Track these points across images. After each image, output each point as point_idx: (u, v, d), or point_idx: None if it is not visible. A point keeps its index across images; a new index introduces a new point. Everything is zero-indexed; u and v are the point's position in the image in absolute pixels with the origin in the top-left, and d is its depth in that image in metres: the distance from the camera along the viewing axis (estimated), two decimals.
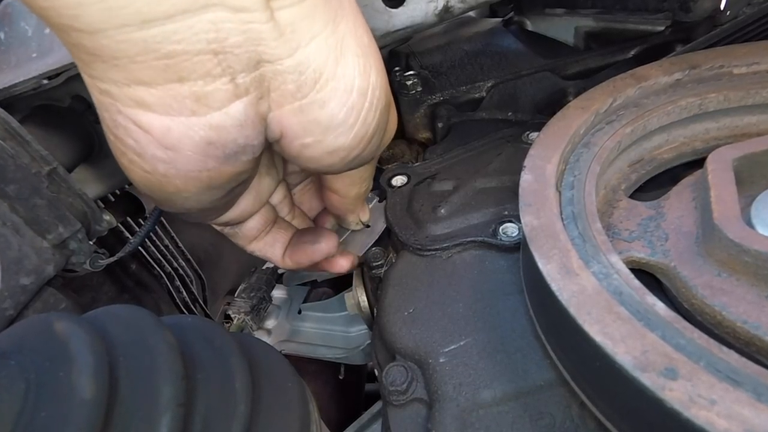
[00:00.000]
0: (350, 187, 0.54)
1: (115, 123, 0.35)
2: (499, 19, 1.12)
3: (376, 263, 0.65)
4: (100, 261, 0.74)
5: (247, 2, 0.32)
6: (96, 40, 0.31)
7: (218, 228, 0.53)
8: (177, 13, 0.30)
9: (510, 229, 0.57)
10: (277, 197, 0.57)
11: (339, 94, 0.37)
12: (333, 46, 0.36)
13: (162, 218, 1.20)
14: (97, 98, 0.35)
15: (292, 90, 0.36)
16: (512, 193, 0.62)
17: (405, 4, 0.67)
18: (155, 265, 1.17)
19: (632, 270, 0.40)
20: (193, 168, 0.36)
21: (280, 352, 0.98)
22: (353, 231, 0.65)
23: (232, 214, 0.49)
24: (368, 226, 0.64)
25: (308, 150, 0.39)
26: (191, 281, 1.27)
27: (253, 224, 0.54)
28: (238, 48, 0.33)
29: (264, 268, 1.12)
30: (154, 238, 1.18)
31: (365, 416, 0.85)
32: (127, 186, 0.93)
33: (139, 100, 0.33)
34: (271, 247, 0.57)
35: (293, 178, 0.60)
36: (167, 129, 0.34)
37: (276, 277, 1.12)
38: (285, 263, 0.58)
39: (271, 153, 0.50)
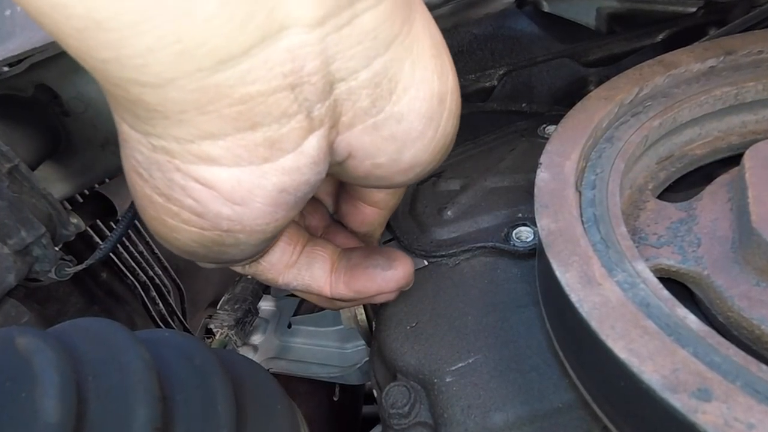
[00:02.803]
0: (391, 198, 0.52)
1: (169, 183, 0.33)
2: (512, 0, 1.12)
3: None
4: (66, 269, 0.74)
5: (325, 8, 0.29)
6: (163, 93, 0.29)
7: (238, 269, 0.49)
8: (254, 45, 0.28)
9: (524, 234, 0.57)
10: (310, 217, 0.54)
11: (418, 104, 0.36)
12: (409, 48, 0.35)
13: (136, 221, 1.20)
14: (145, 155, 0.33)
15: (367, 107, 0.34)
16: (527, 193, 0.62)
17: None
18: (128, 274, 1.17)
19: (661, 279, 0.40)
20: (262, 221, 0.35)
21: (268, 370, 0.98)
22: None
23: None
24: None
25: (380, 170, 0.38)
26: (168, 292, 1.27)
27: (278, 250, 0.49)
28: (315, 75, 0.31)
29: (250, 277, 1.12)
30: (128, 243, 1.18)
31: None
32: (97, 185, 0.93)
33: (204, 156, 0.32)
34: (309, 272, 0.50)
35: None
36: (237, 182, 0.33)
37: (263, 287, 1.12)
38: (337, 290, 0.51)
39: None
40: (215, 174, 0.32)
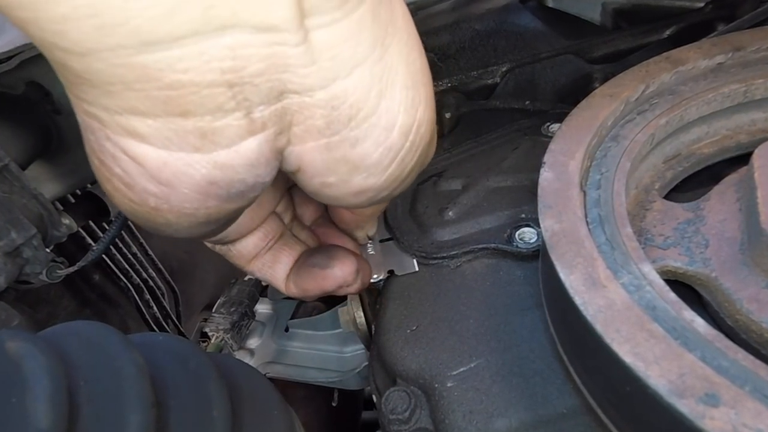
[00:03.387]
0: (369, 208, 0.52)
1: (101, 148, 0.34)
2: None
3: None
4: (58, 271, 0.74)
5: (275, 19, 0.29)
6: (86, 62, 0.29)
7: (209, 245, 0.52)
8: (185, 35, 0.28)
9: (527, 235, 0.57)
10: (281, 206, 0.55)
11: (377, 132, 0.35)
12: (378, 77, 0.34)
13: (129, 222, 1.20)
14: (82, 118, 0.34)
15: (321, 126, 0.34)
16: (530, 193, 0.62)
17: None
18: (121, 276, 1.17)
19: (667, 281, 0.40)
20: (190, 206, 0.35)
21: (265, 375, 0.97)
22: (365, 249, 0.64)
23: (226, 232, 0.48)
24: (371, 239, 0.63)
25: (330, 189, 0.38)
26: (163, 294, 1.27)
27: (252, 241, 0.52)
28: (259, 77, 0.31)
29: (246, 279, 1.12)
30: (121, 244, 1.18)
31: None
32: (89, 185, 0.93)
33: (132, 130, 0.32)
34: (271, 269, 0.54)
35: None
36: (163, 163, 0.33)
37: (260, 289, 1.12)
38: (288, 289, 0.54)
39: None
40: (143, 150, 0.32)
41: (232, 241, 0.51)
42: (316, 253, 0.54)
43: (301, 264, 0.54)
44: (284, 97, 0.32)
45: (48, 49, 0.30)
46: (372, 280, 0.60)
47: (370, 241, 0.63)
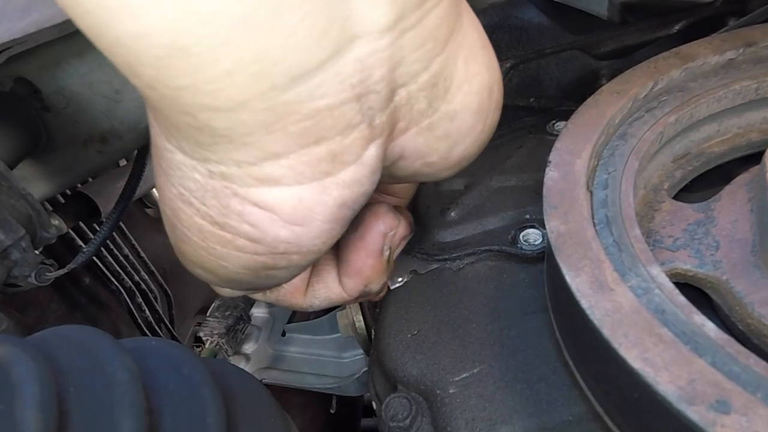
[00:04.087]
0: (412, 188, 0.53)
1: (225, 210, 0.33)
2: None
3: None
4: (47, 274, 0.74)
5: (396, 11, 0.29)
6: (233, 117, 0.28)
7: (259, 297, 0.50)
8: (328, 58, 0.28)
9: (532, 236, 0.57)
10: None
11: (470, 99, 0.37)
12: (461, 43, 0.35)
13: (121, 223, 1.20)
14: (201, 183, 0.33)
15: (423, 108, 0.35)
16: (535, 193, 0.62)
17: None
18: (113, 279, 1.17)
19: (677, 284, 0.40)
20: (319, 240, 0.35)
21: (261, 381, 0.97)
22: None
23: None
24: None
25: (430, 167, 0.39)
26: (156, 298, 1.27)
27: (299, 275, 0.49)
28: (381, 82, 0.31)
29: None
30: (112, 246, 1.18)
31: None
32: (79, 185, 0.93)
33: (265, 178, 0.31)
34: (322, 284, 0.51)
35: None
36: (298, 201, 0.33)
37: None
38: (346, 287, 0.51)
39: None
40: (275, 195, 0.32)
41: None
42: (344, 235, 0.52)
43: (339, 253, 0.51)
44: (395, 94, 0.33)
45: (192, 114, 0.29)
46: (398, 284, 0.60)
47: None
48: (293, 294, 0.51)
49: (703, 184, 0.56)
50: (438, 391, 0.49)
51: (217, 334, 1.02)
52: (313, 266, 0.51)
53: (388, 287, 0.60)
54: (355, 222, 0.49)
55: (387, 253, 0.50)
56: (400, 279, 0.60)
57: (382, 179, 0.40)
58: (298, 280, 0.50)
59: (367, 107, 0.31)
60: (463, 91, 0.36)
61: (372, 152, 0.33)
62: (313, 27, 0.27)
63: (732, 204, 0.47)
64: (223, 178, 0.32)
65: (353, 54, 0.29)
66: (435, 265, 0.60)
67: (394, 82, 0.32)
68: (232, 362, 1.03)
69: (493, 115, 0.40)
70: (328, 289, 0.52)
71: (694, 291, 0.45)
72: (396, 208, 0.51)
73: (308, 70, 0.28)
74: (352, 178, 0.33)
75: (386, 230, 0.48)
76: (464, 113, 0.37)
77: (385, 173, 0.39)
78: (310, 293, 0.52)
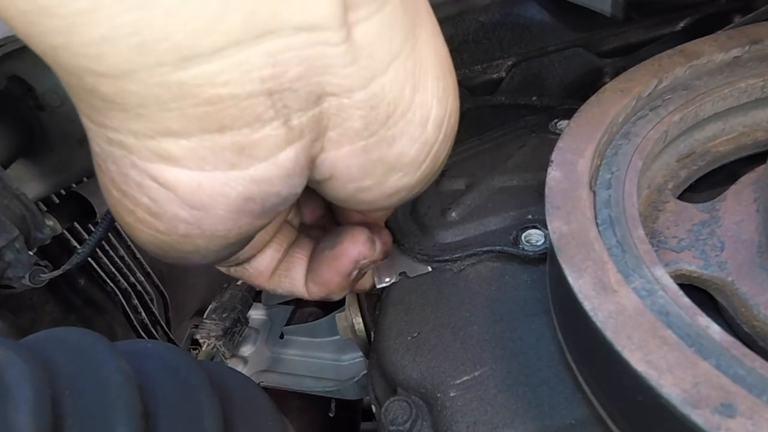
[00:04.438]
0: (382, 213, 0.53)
1: (125, 178, 0.33)
2: None
3: None
4: (41, 275, 0.74)
5: (319, 17, 0.29)
6: (120, 85, 0.28)
7: (223, 269, 0.50)
8: (226, 46, 0.28)
9: (534, 237, 0.57)
10: (291, 212, 0.54)
11: (412, 128, 0.36)
12: (411, 70, 0.34)
13: (117, 224, 1.20)
14: (102, 147, 0.33)
15: (358, 128, 0.34)
16: (537, 193, 0.62)
17: None
18: (108, 280, 1.17)
19: (681, 285, 0.40)
20: (222, 227, 0.35)
21: (259, 384, 0.97)
22: None
23: (243, 252, 0.46)
24: None
25: (364, 193, 0.38)
26: (152, 299, 1.27)
27: (268, 254, 0.50)
28: (298, 81, 0.30)
29: (239, 283, 1.12)
30: (107, 247, 1.18)
31: None
32: (74, 185, 0.93)
33: (163, 154, 0.31)
34: (288, 277, 0.52)
35: None
36: (197, 186, 0.32)
37: (253, 294, 1.12)
38: (310, 291, 0.52)
39: None
40: (175, 175, 0.32)
41: (248, 260, 0.50)
42: (323, 239, 0.52)
43: (313, 258, 0.52)
44: (322, 101, 0.32)
45: (77, 75, 0.29)
46: (384, 284, 0.60)
47: None
48: (256, 276, 0.51)
49: (707, 183, 0.56)
50: (438, 395, 0.49)
51: (214, 336, 1.02)
52: (284, 258, 0.51)
53: (374, 285, 0.60)
54: (333, 237, 0.50)
55: (355, 273, 0.50)
56: (387, 279, 0.60)
57: (324, 197, 0.40)
58: (264, 265, 0.50)
59: (282, 104, 0.31)
60: (406, 119, 0.35)
61: (289, 154, 0.33)
62: (199, 12, 0.27)
63: (737, 204, 0.47)
64: (121, 147, 0.32)
65: (263, 47, 0.29)
66: (435, 266, 0.60)
67: (318, 86, 0.31)
68: (229, 365, 1.03)
69: (438, 149, 0.38)
70: (293, 284, 0.52)
71: (699, 293, 0.45)
72: (374, 228, 0.51)
73: (202, 53, 0.28)
74: (262, 176, 0.33)
75: (359, 258, 0.49)
76: (404, 141, 0.36)
77: (322, 191, 0.39)
78: (275, 280, 0.52)
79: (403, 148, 0.36)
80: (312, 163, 0.35)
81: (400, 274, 0.61)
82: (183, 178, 0.32)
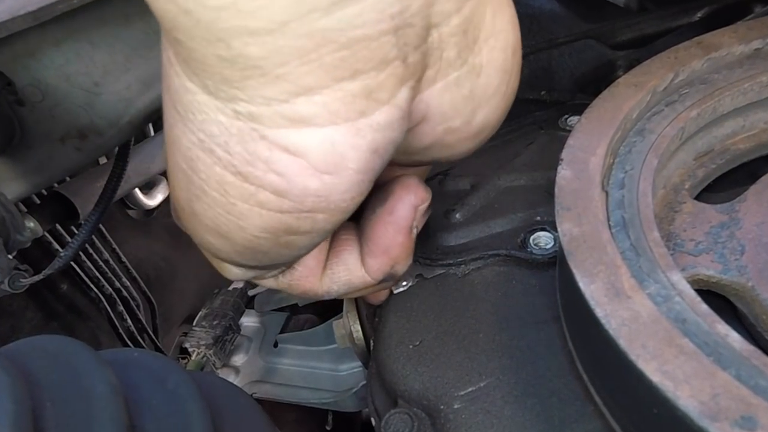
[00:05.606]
0: (425, 169, 0.53)
1: (251, 157, 0.33)
2: None
3: None
4: (21, 280, 0.74)
5: None
6: (271, 41, 0.29)
7: (271, 284, 0.49)
8: None
9: (543, 240, 0.57)
10: None
11: (495, 54, 0.37)
12: None
13: (101, 225, 1.20)
14: (226, 126, 0.33)
15: (452, 57, 0.35)
16: (546, 193, 0.62)
17: None
18: (92, 286, 1.17)
19: (698, 291, 0.40)
20: (349, 194, 0.36)
21: (251, 395, 0.97)
22: None
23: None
24: None
25: (451, 135, 0.40)
26: (138, 306, 1.27)
27: (313, 252, 0.48)
28: (417, 15, 0.32)
29: (231, 288, 1.12)
30: (91, 250, 1.18)
31: None
32: (56, 185, 0.93)
33: (296, 117, 0.32)
34: (342, 265, 0.50)
35: None
36: (330, 145, 0.33)
37: (246, 300, 1.12)
38: (370, 268, 0.49)
39: None
40: (306, 138, 0.33)
41: (292, 263, 0.48)
42: (368, 204, 0.49)
43: (364, 228, 0.49)
44: (430, 34, 0.33)
45: (226, 41, 0.30)
46: (402, 288, 0.60)
47: None
48: (308, 277, 0.49)
49: (727, 183, 0.56)
50: (442, 407, 0.49)
51: (204, 345, 1.02)
52: (331, 246, 0.50)
53: (391, 291, 0.60)
54: (382, 195, 0.48)
55: (415, 231, 0.49)
56: (404, 283, 0.60)
57: (399, 156, 0.40)
58: (314, 261, 0.49)
59: (403, 42, 0.32)
60: (490, 45, 0.37)
61: (404, 94, 0.34)
62: None
63: (758, 205, 0.47)
64: (250, 118, 0.32)
65: None
66: (439, 271, 0.60)
67: (429, 18, 0.32)
68: (220, 375, 1.03)
69: (515, 78, 0.40)
70: (349, 271, 0.50)
71: (718, 299, 0.45)
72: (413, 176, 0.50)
73: None
74: (386, 120, 0.34)
75: (417, 203, 0.48)
76: (490, 69, 0.37)
77: (412, 143, 0.40)
78: (328, 276, 0.50)
79: (489, 77, 0.38)
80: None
81: (416, 276, 0.61)
82: (315, 139, 0.33)
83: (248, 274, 0.46)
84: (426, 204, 0.48)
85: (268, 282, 0.49)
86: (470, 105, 0.38)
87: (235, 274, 0.45)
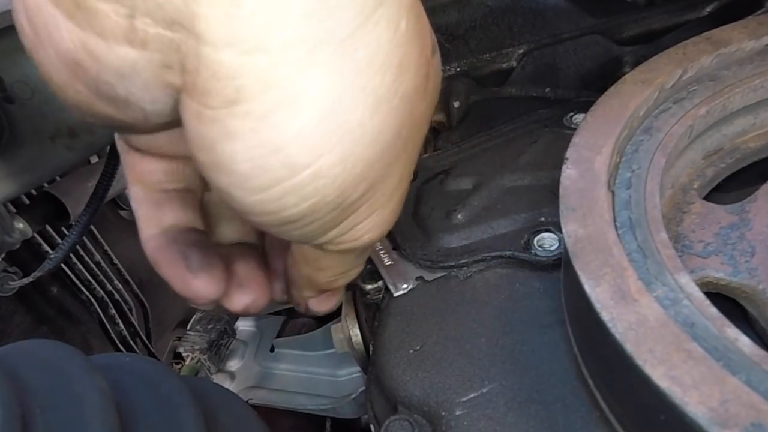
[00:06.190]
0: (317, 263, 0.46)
1: None
2: None
3: (373, 286, 0.65)
4: (10, 282, 0.74)
5: None
6: None
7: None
8: None
9: (547, 241, 0.57)
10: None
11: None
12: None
13: (92, 226, 1.20)
14: None
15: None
16: (550, 193, 0.62)
17: None
18: (83, 288, 1.17)
19: (707, 294, 0.40)
20: (57, 78, 0.36)
21: (247, 402, 0.97)
22: None
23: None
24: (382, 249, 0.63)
25: (207, 169, 0.35)
26: (130, 309, 1.27)
27: (161, 137, 0.45)
28: None
29: None
30: (82, 252, 1.18)
31: None
32: (46, 184, 0.93)
33: None
34: (156, 209, 0.48)
35: None
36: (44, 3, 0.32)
37: None
38: (148, 245, 0.48)
39: None
40: None
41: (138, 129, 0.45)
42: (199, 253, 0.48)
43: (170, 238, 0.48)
44: (174, 29, 0.31)
45: None
46: (401, 291, 0.60)
47: (383, 250, 0.63)
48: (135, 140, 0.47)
49: (737, 183, 0.56)
50: (443, 413, 0.49)
51: (198, 349, 1.02)
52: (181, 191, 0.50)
53: (391, 294, 0.60)
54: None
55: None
56: (405, 286, 0.60)
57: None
58: (151, 142, 0.46)
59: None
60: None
61: (129, 55, 0.32)
62: None
63: None
64: None
65: None
66: (440, 273, 0.60)
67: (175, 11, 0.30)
68: (214, 381, 1.03)
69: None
70: (150, 213, 0.49)
71: (727, 302, 0.45)
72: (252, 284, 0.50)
73: None
74: (94, 51, 0.33)
75: (266, 297, 0.49)
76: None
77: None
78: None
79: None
80: (174, 92, 0.34)
81: (417, 279, 0.61)
82: None
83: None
84: (209, 304, 0.47)
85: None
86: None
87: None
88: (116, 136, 0.50)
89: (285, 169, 0.33)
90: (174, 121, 0.36)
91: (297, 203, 0.34)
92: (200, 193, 0.51)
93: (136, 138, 0.46)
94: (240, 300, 0.49)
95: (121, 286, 1.26)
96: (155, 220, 0.49)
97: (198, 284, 0.46)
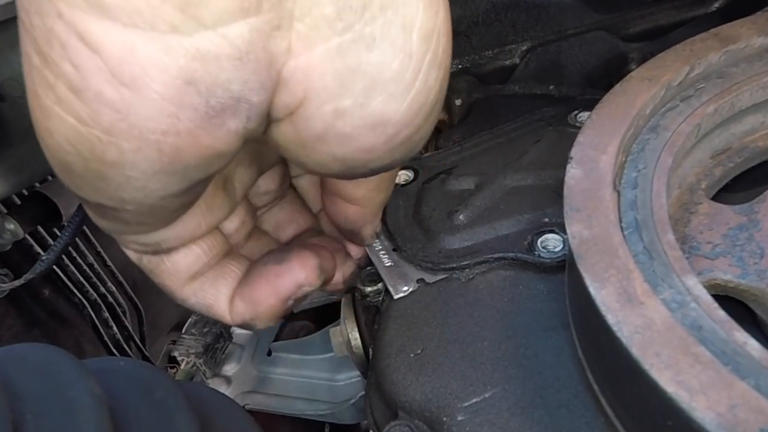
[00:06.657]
0: (375, 193, 0.51)
1: (47, 35, 0.30)
2: None
3: (373, 288, 0.65)
4: (1, 285, 0.74)
5: None
6: None
7: (135, 255, 0.47)
8: None
9: (551, 242, 0.57)
10: (232, 225, 0.53)
11: (394, 31, 0.33)
12: None
13: (85, 227, 1.20)
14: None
15: (330, 15, 0.32)
16: (555, 193, 0.62)
17: None
18: (76, 291, 1.17)
19: (715, 296, 0.40)
20: (156, 124, 0.32)
21: (243, 407, 0.97)
22: None
23: (168, 230, 0.44)
24: (379, 238, 0.63)
25: (343, 121, 0.35)
26: (124, 312, 1.27)
27: (193, 253, 0.48)
28: None
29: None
30: (75, 254, 1.18)
31: None
32: (37, 184, 0.93)
33: (94, 0, 0.28)
34: (213, 288, 0.50)
35: (261, 198, 0.57)
36: (128, 49, 0.29)
37: None
38: (234, 308, 0.50)
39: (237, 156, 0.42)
40: (105, 32, 0.29)
41: (169, 251, 0.47)
42: (268, 255, 0.51)
43: (249, 272, 0.51)
44: None
45: None
46: (402, 294, 0.60)
47: (383, 252, 0.63)
48: (170, 276, 0.48)
49: (746, 182, 0.56)
50: (445, 418, 0.49)
51: (193, 353, 1.02)
52: (215, 267, 0.50)
53: (391, 297, 0.60)
54: (280, 253, 0.50)
55: (291, 302, 0.50)
56: (405, 288, 0.60)
57: (298, 158, 0.39)
58: (185, 264, 0.48)
59: None
60: (387, 18, 0.33)
61: (242, 30, 0.30)
62: None
63: None
64: None
65: None
66: (441, 275, 0.60)
67: None
68: (210, 385, 1.03)
69: (428, 71, 0.36)
70: (216, 297, 0.50)
71: (736, 304, 0.45)
72: (340, 252, 0.54)
73: None
74: (208, 50, 0.30)
75: (303, 284, 0.49)
76: (384, 46, 0.33)
77: (291, 138, 0.37)
78: (194, 289, 0.49)
79: (384, 55, 0.34)
80: (275, 67, 0.33)
81: (418, 281, 0.61)
82: (113, 36, 0.29)
83: (98, 215, 0.42)
84: (311, 288, 0.50)
85: (131, 254, 0.47)
86: (360, 82, 0.34)
87: (105, 225, 0.42)
88: (132, 256, 0.48)
89: (421, 50, 0.35)
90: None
91: (434, 90, 0.37)
92: (245, 232, 0.55)
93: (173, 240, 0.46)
94: (349, 267, 0.56)
95: (114, 289, 1.26)
96: (225, 283, 0.51)
97: (294, 266, 0.49)
